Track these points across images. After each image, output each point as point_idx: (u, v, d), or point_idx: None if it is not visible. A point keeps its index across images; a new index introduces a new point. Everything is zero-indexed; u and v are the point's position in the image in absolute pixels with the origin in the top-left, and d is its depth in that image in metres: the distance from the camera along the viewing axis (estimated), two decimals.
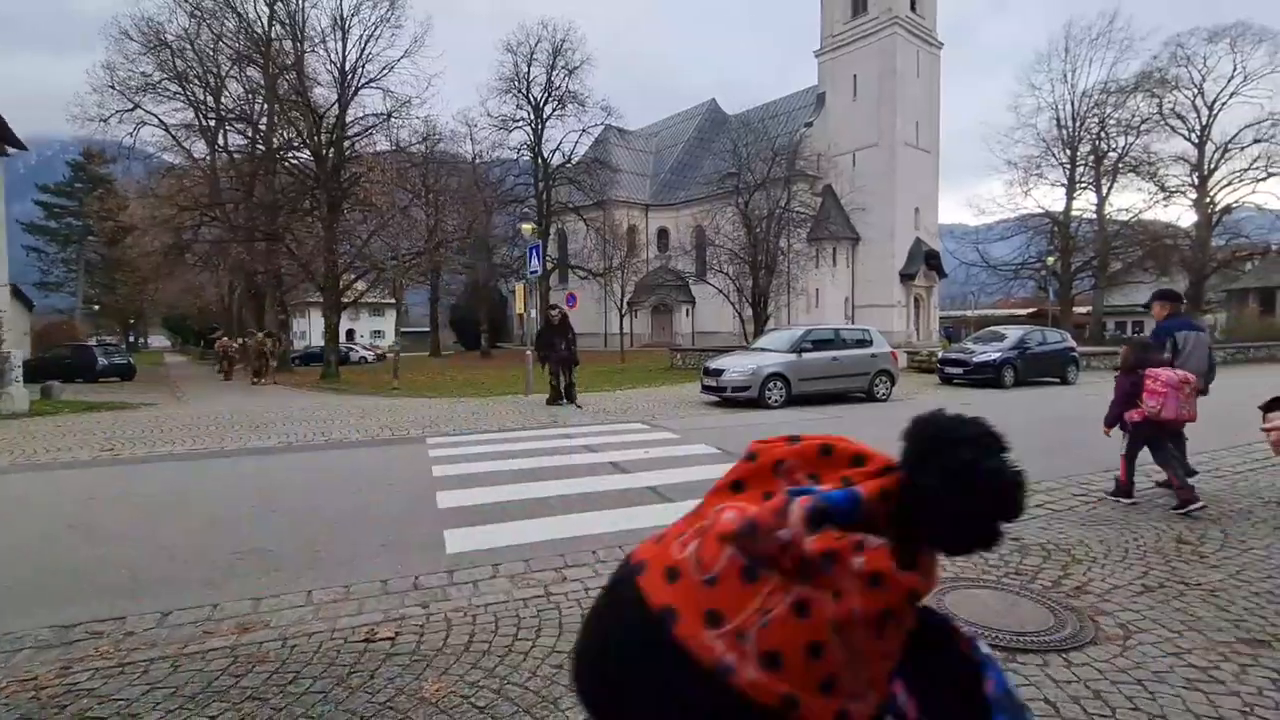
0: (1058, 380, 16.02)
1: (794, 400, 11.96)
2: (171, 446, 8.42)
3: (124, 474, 6.78)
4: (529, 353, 14.90)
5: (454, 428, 9.81)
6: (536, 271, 15.18)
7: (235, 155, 27.85)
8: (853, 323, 36.59)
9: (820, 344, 12.65)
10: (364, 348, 48.30)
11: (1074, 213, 38.41)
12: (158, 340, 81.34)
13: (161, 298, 44.34)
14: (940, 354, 18.25)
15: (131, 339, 65.96)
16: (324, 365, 23.04)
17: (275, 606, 3.31)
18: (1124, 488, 5.17)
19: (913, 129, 38.51)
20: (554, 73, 36.68)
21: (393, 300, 42.74)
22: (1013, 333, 16.43)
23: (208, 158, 28.10)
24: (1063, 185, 38.65)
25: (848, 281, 39.21)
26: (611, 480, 5.94)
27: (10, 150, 22.28)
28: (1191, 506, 4.72)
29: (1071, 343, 17.08)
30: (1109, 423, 5.27)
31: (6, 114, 20.89)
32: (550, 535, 4.35)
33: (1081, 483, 5.69)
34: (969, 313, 53.95)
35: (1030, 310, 45.02)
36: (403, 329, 33.50)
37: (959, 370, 15.71)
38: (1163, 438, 4.94)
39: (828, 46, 40.46)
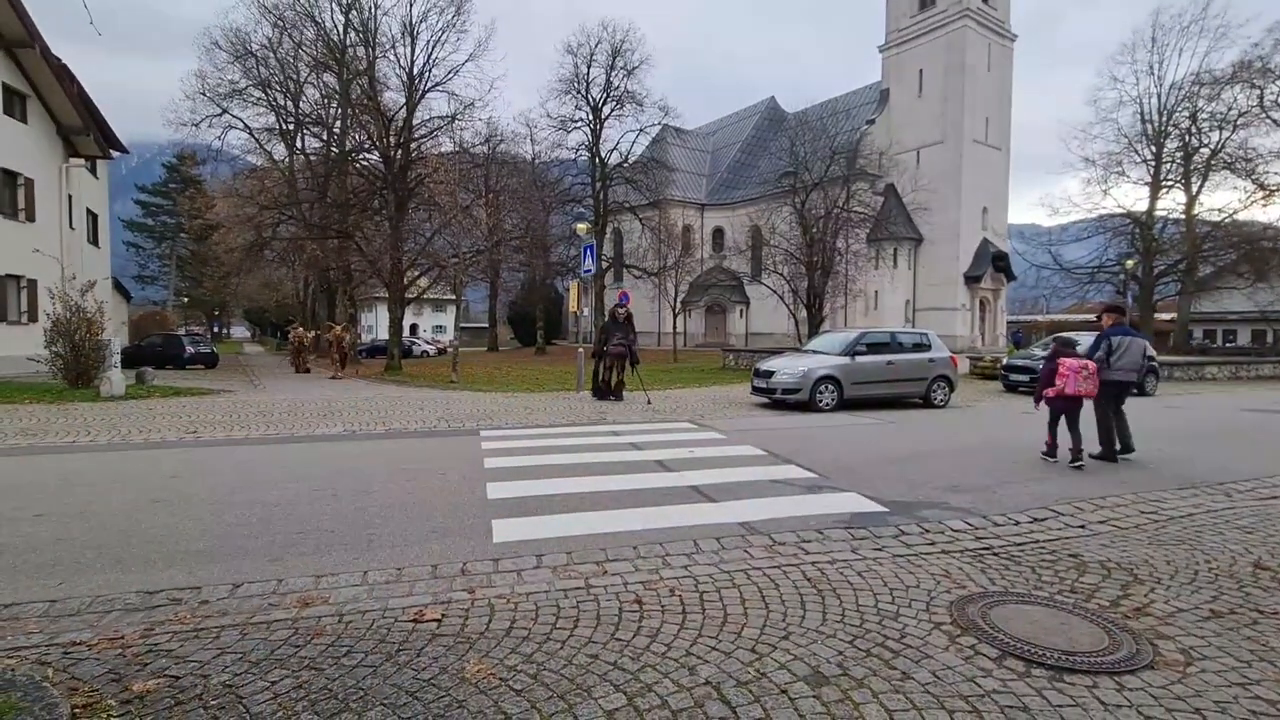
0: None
1: (846, 404, 11.71)
2: (247, 431, 8.97)
3: (204, 455, 7.28)
4: (581, 350, 15.11)
5: (507, 421, 10.07)
6: (591, 270, 15.36)
7: (311, 157, 29.33)
8: (913, 326, 35.44)
9: (875, 347, 12.33)
10: (425, 342, 49.97)
11: (1158, 213, 35.93)
12: (239, 331, 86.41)
13: (243, 291, 47.09)
14: (1005, 360, 17.47)
15: (215, 329, 70.40)
16: (388, 358, 24.00)
17: (333, 584, 3.51)
18: (1050, 449, 6.98)
19: (982, 125, 36.95)
20: (613, 73, 36.97)
21: (453, 296, 44.16)
22: (1087, 339, 15.55)
23: (286, 160, 29.72)
24: (1146, 183, 36.22)
25: (908, 283, 37.98)
26: (656, 478, 5.99)
27: (114, 154, 24.18)
28: (1079, 461, 6.57)
29: (1151, 351, 16.05)
30: (1036, 400, 7.15)
31: (109, 118, 22.70)
32: (593, 529, 4.43)
33: (1152, 500, 5.37)
34: (1039, 317, 51.31)
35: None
36: (462, 324, 34.66)
37: (1025, 378, 15.02)
38: (1073, 410, 6.80)
39: (892, 41, 39.26)
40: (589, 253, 15.08)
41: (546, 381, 18.17)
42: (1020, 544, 4.26)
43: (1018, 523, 4.72)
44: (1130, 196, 48.72)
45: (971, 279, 36.98)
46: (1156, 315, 36.50)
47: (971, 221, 36.95)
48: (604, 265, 38.17)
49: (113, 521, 4.59)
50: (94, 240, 24.44)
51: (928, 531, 4.48)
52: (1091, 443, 7.11)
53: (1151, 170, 36.08)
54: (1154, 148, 36.08)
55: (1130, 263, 34.18)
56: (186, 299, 57.33)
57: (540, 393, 15.10)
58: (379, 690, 2.47)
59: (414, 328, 65.62)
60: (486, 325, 49.43)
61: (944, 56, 36.63)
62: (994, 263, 36.98)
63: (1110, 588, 3.53)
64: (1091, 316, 43.05)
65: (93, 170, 23.44)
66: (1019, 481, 6.00)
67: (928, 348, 12.72)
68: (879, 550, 4.10)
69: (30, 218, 18.63)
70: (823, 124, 32.32)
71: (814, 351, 12.83)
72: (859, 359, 11.99)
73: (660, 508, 4.94)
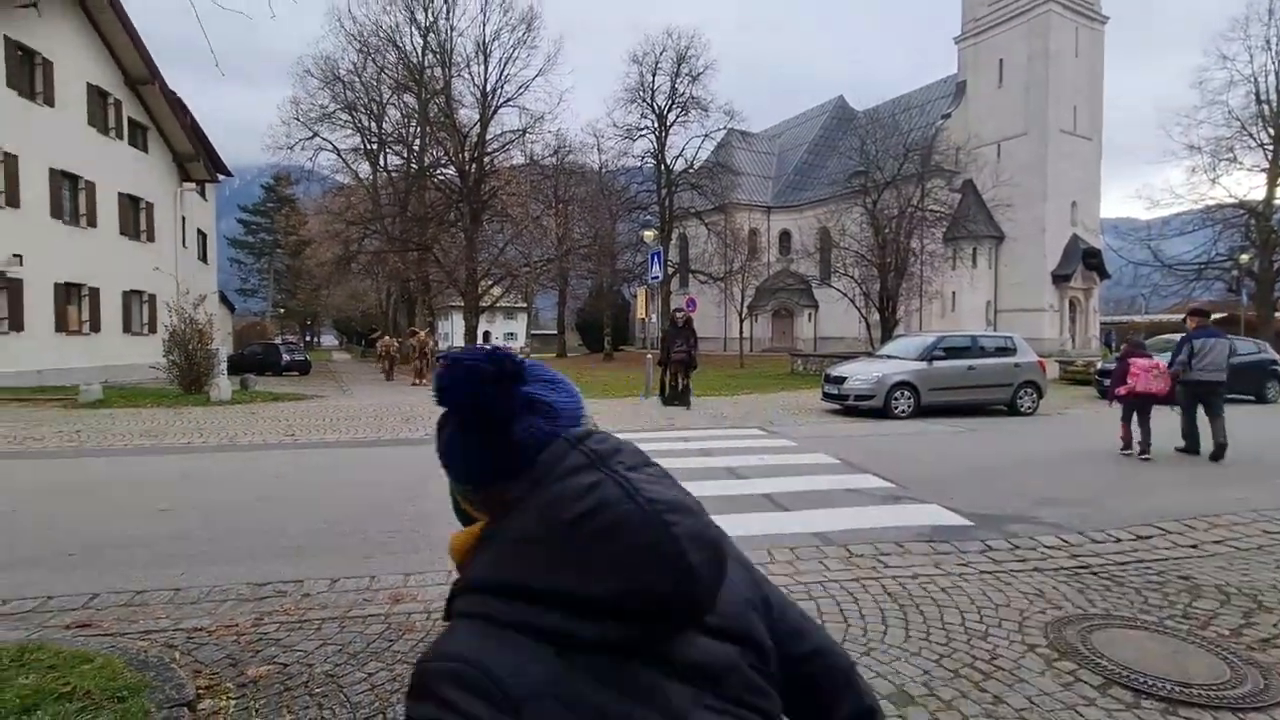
0: (1252, 398, 13.76)
1: (923, 411, 11.27)
2: (338, 434, 9.54)
3: (302, 456, 7.79)
4: (649, 355, 15.19)
5: None
6: (658, 277, 15.44)
7: (393, 174, 30.95)
8: (994, 329, 33.73)
9: (954, 352, 11.84)
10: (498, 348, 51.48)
11: (1277, 201, 32.64)
12: (327, 339, 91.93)
13: (331, 302, 50.15)
14: (1099, 364, 16.32)
15: (308, 338, 75.22)
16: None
17: (421, 583, 3.68)
18: (1125, 443, 7.61)
19: (1069, 114, 34.74)
20: (678, 80, 37.08)
21: (524, 304, 45.42)
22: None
23: (370, 177, 31.48)
24: (1263, 170, 32.90)
25: (989, 284, 36.11)
26: (726, 485, 5.94)
27: (220, 177, 26.35)
28: (1147, 455, 7.29)
29: (1271, 354, 14.60)
30: (1109, 398, 7.87)
31: (215, 145, 24.73)
32: None
33: (1277, 519, 4.88)
34: (1137, 318, 47.54)
35: (1217, 316, 38.84)
36: (532, 331, 35.51)
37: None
38: (1144, 406, 7.38)
39: (970, 31, 37.54)
40: (656, 259, 15.16)
41: (614, 387, 18.38)
42: (1123, 563, 3.97)
43: (1119, 540, 4.40)
44: (1243, 185, 44.19)
45: (1060, 278, 34.75)
46: (1279, 314, 33.09)
47: (1059, 217, 34.75)
48: (670, 271, 38.24)
49: (225, 517, 4.98)
50: (203, 257, 26.68)
51: (1017, 548, 4.24)
52: (1172, 439, 7.69)
53: (1269, 155, 32.76)
54: (1272, 130, 32.75)
55: (1245, 257, 31.21)
56: (283, 310, 61.55)
57: (608, 398, 15.27)
58: None
59: (487, 335, 67.75)
60: (555, 332, 50.52)
61: (1026, 44, 34.69)
62: (1085, 260, 34.62)
63: (1230, 615, 3.23)
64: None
65: (201, 193, 25.60)
66: (1119, 495, 5.59)
67: (1012, 351, 12.12)
68: (964, 566, 3.91)
69: (150, 238, 20.55)
70: (895, 120, 31.26)
71: (888, 356, 12.49)
72: (937, 364, 11.53)
73: (732, 516, 4.89)
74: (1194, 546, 4.26)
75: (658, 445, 8.24)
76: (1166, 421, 7.83)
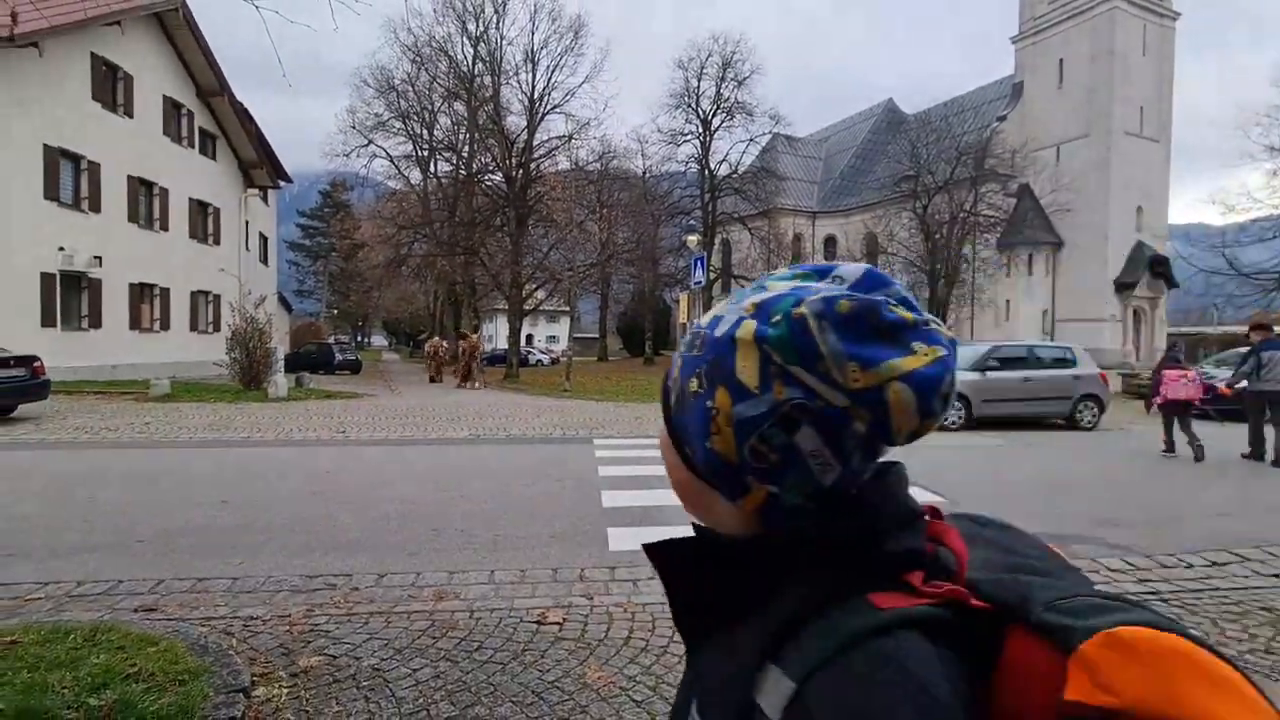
0: None
1: (976, 423, 10.90)
2: (386, 432, 9.80)
3: (351, 453, 8.03)
4: None
5: (618, 430, 10.29)
6: (700, 283, 15.35)
7: (442, 180, 31.73)
8: (1051, 339, 32.36)
9: (1009, 362, 11.44)
10: (540, 351, 52.20)
11: None
12: (378, 340, 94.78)
13: (382, 303, 51.68)
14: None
15: (359, 339, 77.71)
16: (506, 366, 25.30)
17: (464, 581, 3.74)
18: (1168, 447, 8.27)
19: (1135, 115, 33.13)
20: (723, 85, 36.96)
21: (567, 308, 45.90)
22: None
23: (421, 183, 32.35)
24: None
25: (1046, 292, 34.70)
26: None
27: (281, 183, 27.51)
28: (1200, 457, 7.71)
29: None
30: (1147, 406, 9.20)
31: (278, 153, 25.82)
32: None
33: None
34: (1209, 329, 44.92)
35: None
36: (574, 334, 35.89)
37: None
38: (1181, 412, 8.08)
39: (1028, 30, 36.25)
40: (699, 264, 15.08)
41: (656, 391, 18.31)
42: (1196, 591, 3.72)
43: (1191, 565, 4.13)
44: None
45: (1123, 286, 33.12)
46: None
47: (1123, 222, 33.15)
48: (712, 276, 38.05)
49: (280, 509, 5.16)
50: (264, 260, 27.89)
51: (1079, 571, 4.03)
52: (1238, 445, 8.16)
53: None
54: None
55: None
56: (336, 311, 63.79)
57: (650, 402, 15.26)
58: (508, 687, 2.58)
59: (529, 338, 68.69)
60: (597, 335, 50.83)
61: (1089, 42, 33.28)
62: (1151, 268, 32.90)
63: None
64: None
65: (264, 198, 26.79)
66: (1190, 517, 5.26)
67: (1071, 363, 11.67)
68: None
69: (216, 241, 21.60)
70: (947, 123, 30.41)
71: None
72: (990, 375, 11.16)
73: None
74: (1277, 576, 3.98)
75: None
76: (1236, 433, 7.36)
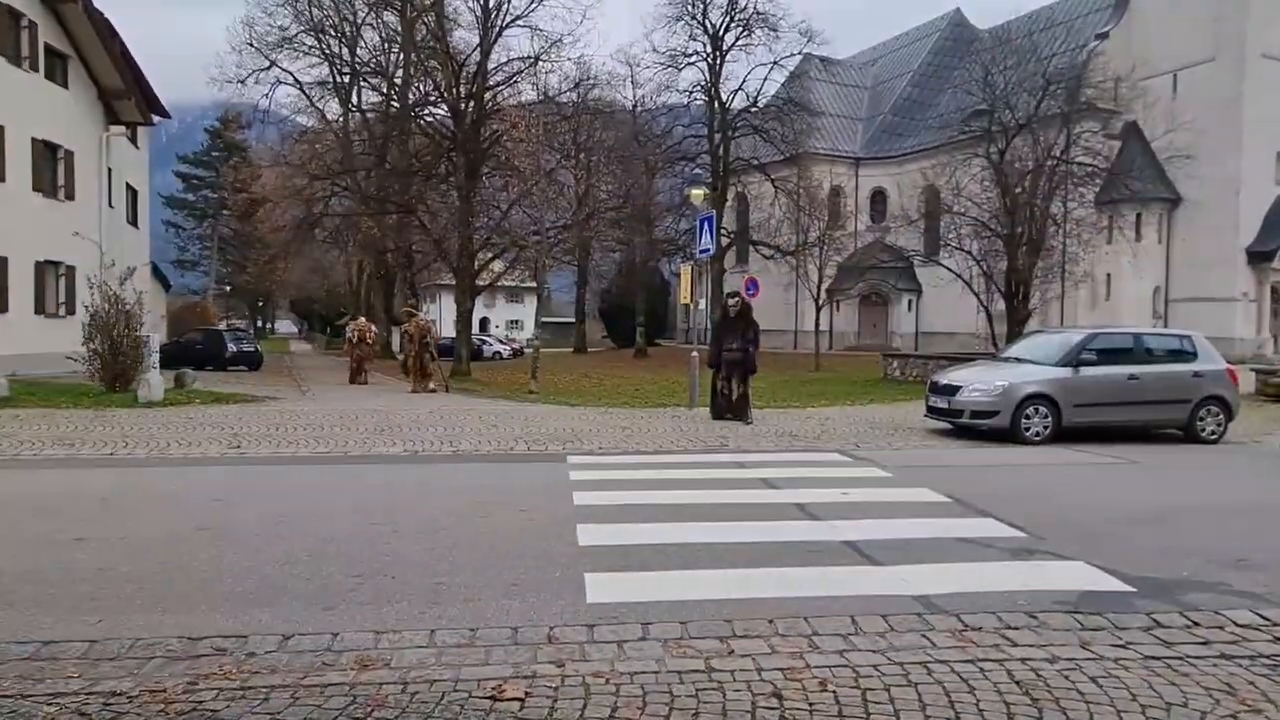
0: None
1: (1065, 435, 11.05)
2: (296, 448, 9.75)
3: (250, 475, 7.98)
4: (694, 354, 15.15)
5: (601, 445, 10.27)
6: (708, 251, 15.38)
7: (369, 114, 31.57)
8: (1164, 325, 32.73)
9: (1110, 355, 11.65)
10: (499, 340, 52.20)
11: None
12: (284, 326, 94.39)
13: (289, 278, 51.43)
14: None
15: (259, 323, 77.34)
16: (454, 360, 25.23)
17: (396, 644, 3.72)
18: None
19: (1277, 33, 33.37)
20: None
21: (533, 284, 45.87)
22: None
23: (340, 119, 32.15)
24: None
25: (1159, 264, 35.06)
26: (796, 528, 5.91)
27: (155, 119, 27.24)
28: None
29: None
30: None
31: (151, 79, 25.57)
32: (715, 593, 4.42)
33: None
34: None
35: None
36: (543, 319, 35.78)
37: None
38: None
39: None
40: (706, 227, 15.11)
41: (649, 394, 18.37)
42: None
43: None
44: None
45: (1258, 256, 33.50)
46: None
47: (1259, 173, 33.47)
48: (724, 242, 38.16)
49: (154, 550, 5.12)
50: (133, 220, 27.64)
51: (1197, 625, 4.09)
52: None
53: None
54: None
55: None
56: (229, 288, 63.39)
57: (641, 408, 15.26)
58: None
59: (485, 323, 68.74)
60: (573, 320, 50.88)
61: None
62: None
63: None
64: None
65: (133, 139, 26.51)
66: None
67: (1191, 356, 11.87)
68: (1122, 648, 3.78)
69: (69, 195, 21.37)
70: (1031, 43, 30.55)
71: (1017, 360, 12.40)
72: (1085, 371, 11.32)
73: (804, 569, 4.85)
74: None
75: (708, 473, 8.21)
76: None
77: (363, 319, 26.01)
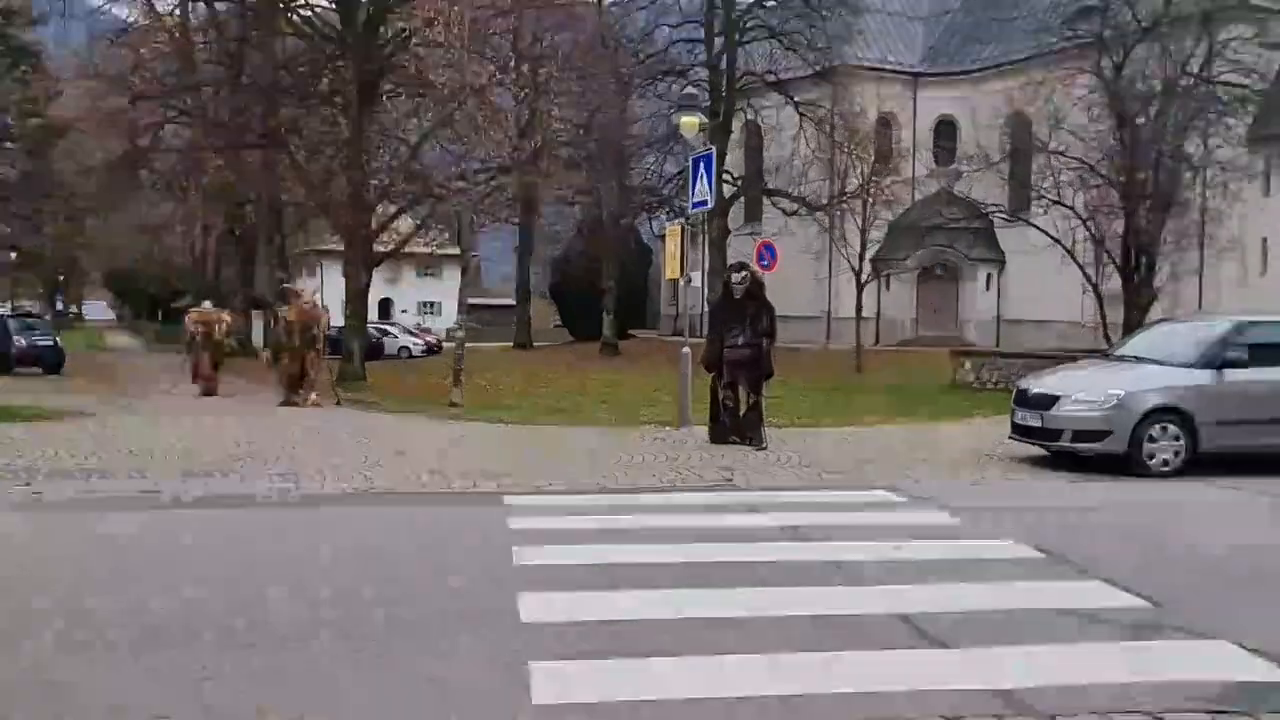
0: None
1: (1203, 463, 11.14)
2: (114, 486, 9.67)
3: (47, 525, 7.90)
4: (685, 350, 15.14)
5: (554, 480, 10.24)
6: (705, 203, 15.40)
7: (217, 7, 31.21)
8: None
9: (1268, 353, 11.72)
10: (409, 330, 51.86)
11: None
12: (96, 309, 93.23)
13: (104, 241, 50.69)
14: None
15: (60, 306, 76.26)
16: (343, 358, 25.00)
17: None
18: None
19: None
20: None
21: (455, 251, 45.52)
22: None
23: (177, 9, 31.76)
24: None
25: None
26: (827, 595, 5.90)
27: None
28: None
29: None
30: None
31: None
32: (725, 690, 4.38)
33: None
34: None
35: None
36: (471, 300, 35.42)
37: None
38: None
39: None
40: (702, 169, 15.10)
41: (622, 407, 18.36)
42: None
43: None
44: None
45: None
46: None
47: None
48: (728, 192, 38.22)
49: None
50: None
51: None
52: None
53: None
54: None
55: None
56: (15, 255, 62.32)
57: (611, 427, 15.26)
58: None
59: (387, 306, 68.27)
60: (513, 303, 50.69)
61: None
62: None
63: None
64: None
65: None
66: None
67: None
68: None
69: None
70: None
71: (1137, 360, 12.48)
72: (1233, 375, 11.46)
73: (841, 654, 4.85)
74: None
75: (708, 520, 8.20)
76: None
77: (208, 303, 25.69)
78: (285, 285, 23.41)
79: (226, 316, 25.69)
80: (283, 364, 19.99)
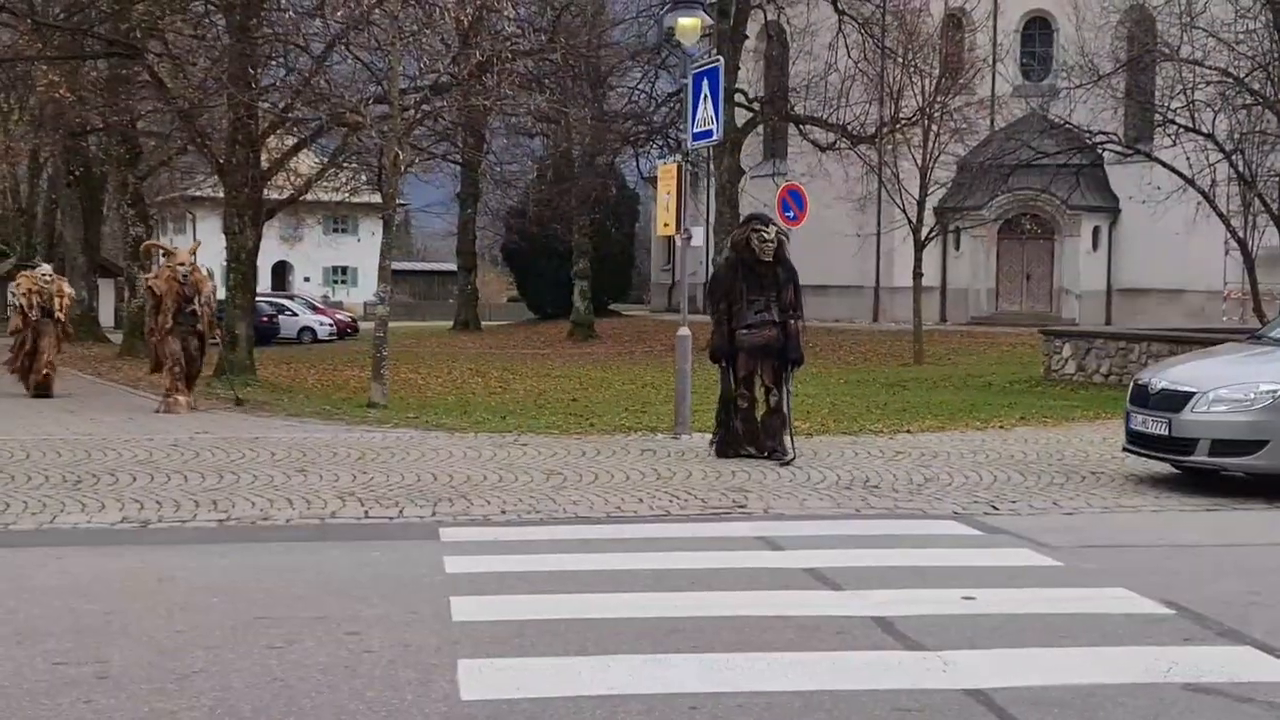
0: None
1: None
2: None
3: None
4: (685, 331, 15.14)
5: (505, 506, 10.31)
6: (710, 134, 15.40)
7: None
8: None
9: None
10: (313, 306, 51.85)
11: None
12: None
13: None
14: None
15: None
16: (226, 346, 24.91)
17: None
18: None
19: None
20: None
21: (376, 199, 45.51)
22: None
23: None
24: None
25: None
26: (880, 665, 5.84)
27: None
28: None
29: None
30: None
31: None
32: None
33: None
34: None
35: None
36: (397, 266, 35.32)
37: None
38: None
39: None
40: (705, 88, 15.10)
41: (600, 407, 18.48)
42: None
43: None
44: None
45: None
46: None
47: None
48: (741, 119, 38.27)
49: None
50: None
51: None
52: None
53: None
54: None
55: None
56: None
57: (585, 435, 15.37)
58: None
59: (284, 272, 68.20)
60: (454, 269, 50.71)
61: None
62: None
63: None
64: None
65: None
66: None
67: None
68: None
69: None
70: None
71: None
72: None
73: None
74: None
75: (713, 560, 8.18)
76: None
77: (46, 266, 25.64)
78: (148, 242, 23.01)
79: (68, 287, 25.45)
80: (169, 349, 19.67)
